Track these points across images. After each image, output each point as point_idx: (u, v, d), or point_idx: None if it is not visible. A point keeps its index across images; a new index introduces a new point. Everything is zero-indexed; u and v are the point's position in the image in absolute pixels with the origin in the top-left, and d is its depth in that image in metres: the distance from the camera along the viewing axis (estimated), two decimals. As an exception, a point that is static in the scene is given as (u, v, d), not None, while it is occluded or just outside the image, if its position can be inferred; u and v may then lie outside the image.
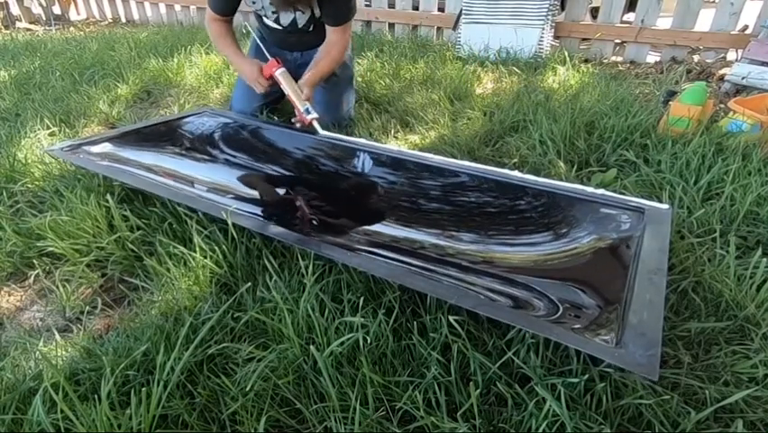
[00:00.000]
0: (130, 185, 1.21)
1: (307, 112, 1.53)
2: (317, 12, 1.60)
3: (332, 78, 1.70)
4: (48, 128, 1.79)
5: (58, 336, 0.87)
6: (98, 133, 1.51)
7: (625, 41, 2.60)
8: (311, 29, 1.68)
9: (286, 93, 1.58)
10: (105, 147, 1.45)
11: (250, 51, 1.85)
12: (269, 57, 1.61)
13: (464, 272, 0.97)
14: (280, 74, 1.57)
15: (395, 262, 0.99)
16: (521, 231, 1.13)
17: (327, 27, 1.61)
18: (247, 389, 0.70)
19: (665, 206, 1.04)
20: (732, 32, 2.27)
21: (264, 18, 1.69)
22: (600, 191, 1.11)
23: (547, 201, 1.15)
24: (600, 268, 0.95)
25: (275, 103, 1.87)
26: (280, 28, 1.68)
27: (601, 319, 0.77)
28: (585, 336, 0.69)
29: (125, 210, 1.13)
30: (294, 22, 1.65)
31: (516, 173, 1.23)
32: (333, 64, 1.64)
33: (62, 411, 0.65)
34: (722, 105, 1.78)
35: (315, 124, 1.54)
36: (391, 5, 3.22)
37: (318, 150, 1.53)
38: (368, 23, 3.32)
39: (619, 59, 2.61)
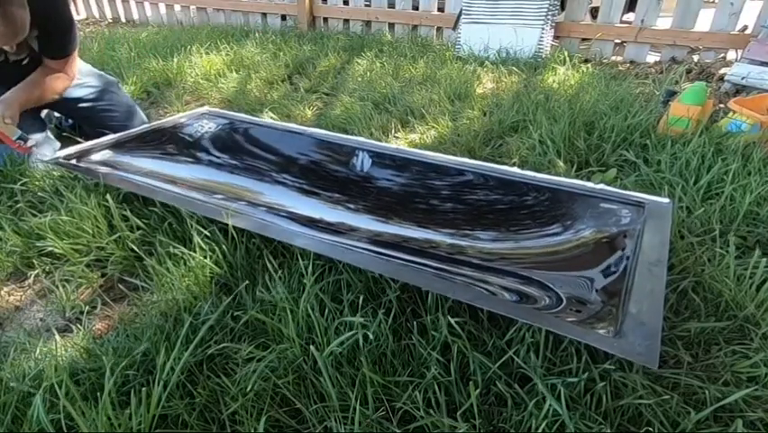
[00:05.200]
0: (131, 191, 1.20)
1: (22, 139, 1.38)
2: (36, 47, 1.46)
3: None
4: (48, 128, 1.79)
5: (58, 336, 0.87)
6: (97, 140, 1.48)
7: (625, 41, 2.59)
8: (24, 63, 1.49)
9: None
10: (105, 154, 1.44)
11: None
12: None
13: (462, 267, 0.97)
14: None
15: (393, 259, 0.99)
16: (522, 226, 1.13)
17: (45, 59, 1.49)
18: (247, 389, 0.70)
19: (666, 200, 1.05)
20: (732, 32, 2.27)
21: None
22: (600, 186, 1.12)
23: (548, 197, 1.15)
24: (601, 260, 0.95)
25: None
26: None
27: (601, 311, 0.77)
28: (584, 327, 0.69)
29: (125, 210, 1.13)
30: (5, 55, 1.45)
31: (515, 170, 1.23)
32: (49, 93, 1.51)
33: (64, 408, 0.65)
34: (722, 106, 1.78)
35: (35, 151, 1.44)
36: (391, 5, 3.22)
37: (318, 150, 1.53)
38: (368, 23, 3.32)
39: (619, 58, 2.61)
